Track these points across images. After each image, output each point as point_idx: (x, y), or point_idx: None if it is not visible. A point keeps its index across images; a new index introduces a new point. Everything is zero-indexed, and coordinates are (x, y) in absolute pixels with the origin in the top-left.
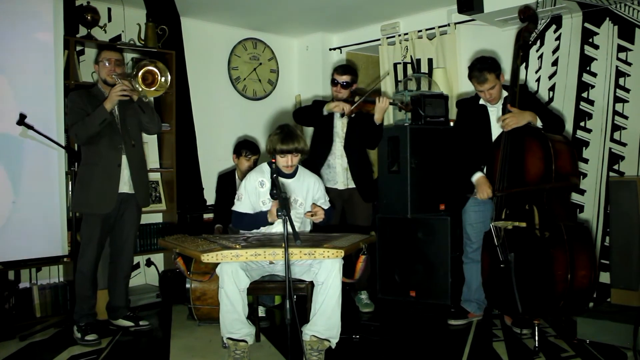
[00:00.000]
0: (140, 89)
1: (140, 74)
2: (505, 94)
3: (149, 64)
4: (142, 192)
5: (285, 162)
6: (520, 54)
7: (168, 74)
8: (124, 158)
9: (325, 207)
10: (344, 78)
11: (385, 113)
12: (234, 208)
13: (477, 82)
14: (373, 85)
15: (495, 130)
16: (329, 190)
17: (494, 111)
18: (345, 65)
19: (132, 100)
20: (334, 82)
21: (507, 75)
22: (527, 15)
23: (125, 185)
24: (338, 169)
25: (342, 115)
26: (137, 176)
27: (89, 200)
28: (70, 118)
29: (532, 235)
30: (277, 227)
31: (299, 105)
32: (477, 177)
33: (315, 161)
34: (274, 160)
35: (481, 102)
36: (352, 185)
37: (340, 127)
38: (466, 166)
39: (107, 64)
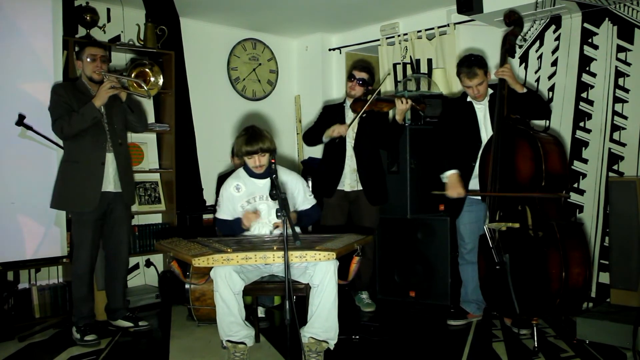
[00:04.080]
0: (145, 88)
1: (133, 74)
2: (491, 91)
3: (144, 65)
4: (128, 191)
5: (253, 162)
6: (507, 58)
7: (160, 76)
8: (109, 156)
9: (307, 206)
10: (362, 75)
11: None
12: (216, 215)
13: (467, 77)
14: (379, 87)
15: (484, 128)
16: (335, 192)
17: (481, 108)
18: (364, 65)
19: (119, 99)
20: (350, 78)
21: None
22: (512, 19)
23: (110, 184)
24: (346, 170)
25: (338, 140)
26: (124, 175)
27: (69, 197)
28: (55, 112)
29: (526, 235)
30: (255, 226)
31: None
32: (450, 174)
33: (329, 164)
34: (273, 161)
35: (468, 99)
36: (359, 187)
37: (350, 127)
38: (442, 164)
39: (90, 60)
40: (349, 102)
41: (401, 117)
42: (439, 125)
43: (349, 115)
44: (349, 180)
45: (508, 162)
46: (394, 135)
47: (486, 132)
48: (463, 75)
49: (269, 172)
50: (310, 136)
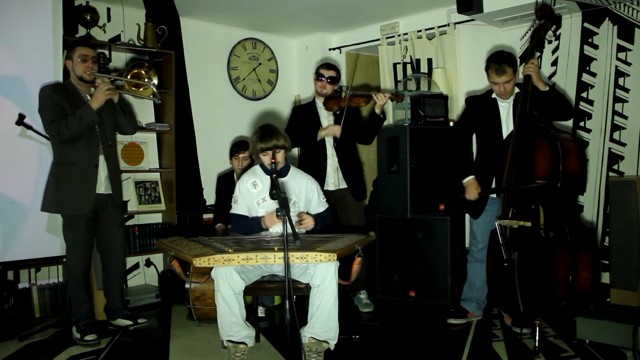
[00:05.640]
0: (153, 84)
1: (129, 76)
2: (517, 90)
3: (142, 67)
4: (118, 192)
5: (268, 159)
6: (537, 54)
7: (155, 78)
8: (101, 158)
9: (321, 209)
10: (330, 73)
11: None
12: (232, 211)
13: (495, 74)
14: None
15: (506, 126)
16: None
17: (505, 106)
18: (331, 63)
19: (111, 100)
20: (319, 77)
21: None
22: (543, 13)
23: (101, 185)
24: (329, 170)
25: (336, 140)
26: (115, 176)
27: (63, 200)
28: (49, 115)
29: (537, 235)
30: (274, 228)
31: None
32: (468, 179)
33: (309, 165)
34: (273, 160)
35: (493, 96)
36: (343, 185)
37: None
38: (462, 168)
39: (80, 61)
40: (319, 102)
41: (380, 109)
42: (460, 123)
43: (323, 114)
44: (333, 179)
45: (526, 160)
46: (374, 128)
47: (507, 131)
48: (492, 71)
49: (271, 171)
50: (295, 141)
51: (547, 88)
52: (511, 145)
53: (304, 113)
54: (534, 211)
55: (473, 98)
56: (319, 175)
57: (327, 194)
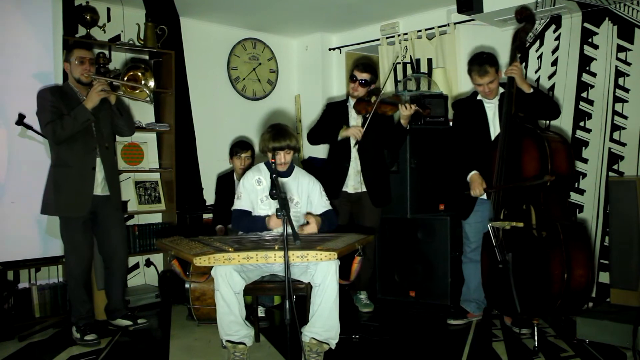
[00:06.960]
0: (147, 90)
1: (126, 78)
2: (501, 90)
3: (138, 68)
4: (116, 194)
5: (278, 159)
6: (518, 55)
7: (152, 80)
8: (98, 160)
9: (324, 210)
10: (363, 76)
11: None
12: (234, 207)
13: (478, 75)
14: (386, 80)
15: (493, 126)
16: (339, 193)
17: (491, 107)
18: (366, 63)
19: (108, 102)
20: (352, 79)
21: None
22: (524, 15)
23: (98, 187)
24: (350, 172)
25: (356, 143)
26: (112, 178)
27: (61, 202)
28: (45, 116)
29: (530, 235)
30: (279, 229)
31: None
32: (471, 174)
33: (334, 164)
34: (273, 160)
35: (478, 97)
36: (363, 189)
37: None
38: (463, 166)
39: (78, 63)
40: (352, 102)
41: (406, 121)
42: (453, 128)
43: (352, 115)
44: (353, 182)
45: (514, 161)
46: (396, 137)
47: (495, 131)
48: (474, 72)
49: (271, 171)
50: (315, 136)
51: (532, 90)
52: (498, 147)
53: (335, 110)
54: (525, 211)
55: (459, 101)
56: (340, 176)
57: (344, 195)
